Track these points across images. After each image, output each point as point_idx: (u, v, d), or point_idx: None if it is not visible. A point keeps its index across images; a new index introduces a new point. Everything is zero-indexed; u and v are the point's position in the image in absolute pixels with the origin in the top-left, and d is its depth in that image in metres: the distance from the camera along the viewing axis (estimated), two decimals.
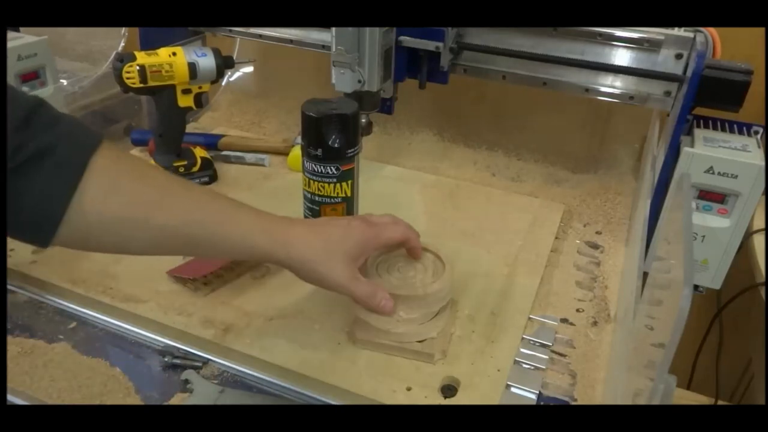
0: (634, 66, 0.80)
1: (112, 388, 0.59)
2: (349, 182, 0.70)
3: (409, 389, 0.58)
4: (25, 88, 0.92)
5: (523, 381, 0.61)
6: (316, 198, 0.70)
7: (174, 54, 0.84)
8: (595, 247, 0.84)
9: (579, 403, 0.60)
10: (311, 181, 0.69)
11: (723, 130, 0.75)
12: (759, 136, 0.74)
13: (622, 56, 0.81)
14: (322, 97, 0.70)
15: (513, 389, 0.60)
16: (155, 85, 0.84)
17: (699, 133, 0.74)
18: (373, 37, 0.77)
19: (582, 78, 0.84)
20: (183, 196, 0.53)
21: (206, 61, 0.86)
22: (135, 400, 0.58)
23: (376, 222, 0.62)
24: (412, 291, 0.62)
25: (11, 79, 0.90)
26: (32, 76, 0.93)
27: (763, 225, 0.88)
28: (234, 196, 0.87)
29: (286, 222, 0.58)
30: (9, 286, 0.71)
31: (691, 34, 0.76)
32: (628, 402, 0.45)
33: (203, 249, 0.55)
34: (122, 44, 1.12)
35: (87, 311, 0.68)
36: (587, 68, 0.82)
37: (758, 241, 0.87)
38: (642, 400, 0.39)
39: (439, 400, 0.58)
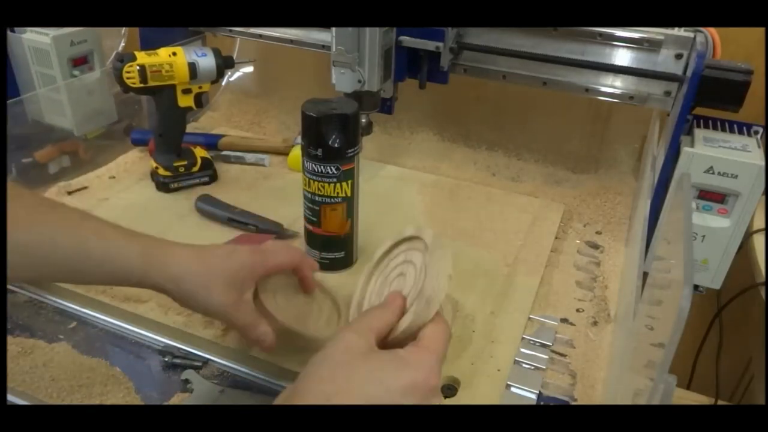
0: (634, 66, 0.80)
1: (112, 388, 0.59)
2: (349, 182, 0.70)
3: None
4: (75, 72, 0.98)
5: (523, 381, 0.61)
6: (317, 198, 0.70)
7: (174, 54, 0.84)
8: (595, 247, 0.84)
9: (579, 403, 0.60)
10: (311, 181, 0.69)
11: (723, 130, 0.75)
12: (759, 136, 0.74)
13: (622, 56, 0.81)
14: (322, 97, 0.70)
15: (513, 389, 0.60)
16: (155, 85, 0.84)
17: (699, 133, 0.74)
18: (373, 37, 0.77)
19: (582, 78, 0.84)
20: (50, 213, 0.50)
21: (206, 61, 0.86)
22: (135, 400, 0.58)
23: (264, 248, 0.58)
24: (302, 330, 0.58)
25: (64, 64, 0.95)
26: (82, 61, 0.99)
27: (763, 225, 0.88)
28: (234, 196, 0.88)
29: (165, 242, 0.55)
30: (9, 286, 0.71)
31: (691, 34, 0.76)
32: (628, 402, 0.45)
33: (65, 268, 0.50)
34: (122, 44, 1.12)
35: (87, 311, 0.68)
36: (587, 68, 0.82)
37: (758, 241, 0.87)
38: (642, 400, 0.39)
39: (439, 400, 0.58)
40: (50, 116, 0.98)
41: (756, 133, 0.74)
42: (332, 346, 0.44)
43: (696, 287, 0.77)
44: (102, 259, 0.50)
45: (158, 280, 0.52)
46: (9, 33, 0.97)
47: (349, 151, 0.68)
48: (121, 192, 0.91)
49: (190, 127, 1.03)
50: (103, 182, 0.93)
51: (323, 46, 0.96)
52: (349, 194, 0.70)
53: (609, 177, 0.99)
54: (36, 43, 0.95)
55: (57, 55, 0.94)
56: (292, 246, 0.61)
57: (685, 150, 0.70)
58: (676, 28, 0.77)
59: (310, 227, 0.73)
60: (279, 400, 0.43)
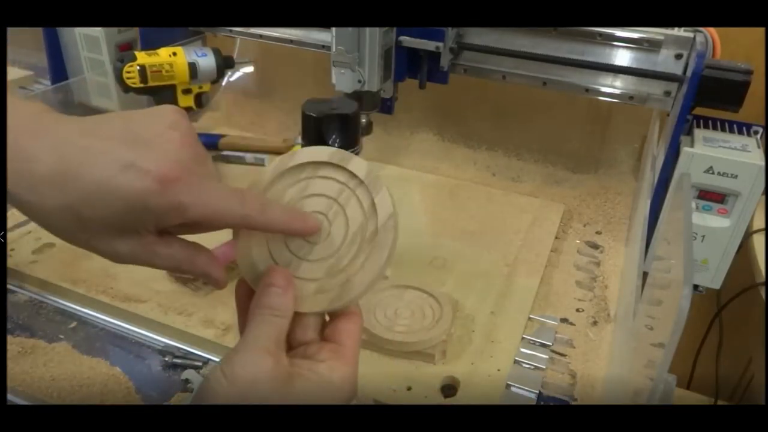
0: (634, 66, 0.80)
1: (112, 388, 0.59)
2: None
3: (409, 389, 0.58)
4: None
5: (523, 381, 0.61)
6: None
7: (174, 54, 0.84)
8: (595, 247, 0.84)
9: (579, 403, 0.60)
10: None
11: (723, 130, 0.75)
12: (759, 136, 0.74)
13: (622, 56, 0.81)
14: (322, 97, 0.70)
15: (513, 389, 0.60)
16: (156, 85, 0.84)
17: (699, 133, 0.74)
18: (373, 37, 0.77)
19: (582, 78, 0.84)
20: None
21: (206, 61, 0.87)
22: (135, 400, 0.58)
23: (194, 172, 0.33)
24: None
25: (111, 50, 1.01)
26: (127, 47, 1.03)
27: (763, 225, 0.88)
28: None
29: (42, 119, 0.33)
30: (9, 286, 0.71)
31: (691, 34, 0.76)
32: (628, 402, 0.45)
33: None
34: None
35: (87, 311, 0.68)
36: (587, 68, 0.82)
37: (758, 241, 0.87)
38: (642, 400, 0.39)
39: (439, 400, 0.58)
40: (97, 99, 1.05)
41: (756, 133, 0.74)
42: (243, 378, 0.34)
43: (696, 287, 0.77)
44: None
45: (16, 200, 0.32)
46: None
47: (349, 151, 0.68)
48: None
49: None
50: None
51: (323, 46, 0.96)
52: None
53: (609, 177, 0.99)
54: (87, 30, 1.02)
55: (106, 42, 1.00)
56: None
57: (685, 150, 0.70)
58: (676, 28, 0.77)
59: None
60: None
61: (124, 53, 0.84)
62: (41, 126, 0.32)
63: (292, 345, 0.38)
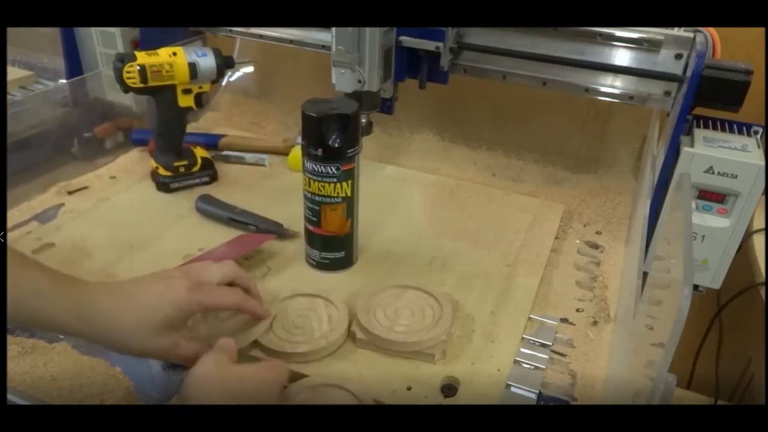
0: (634, 66, 0.80)
1: (112, 388, 0.59)
2: (350, 182, 0.70)
3: (409, 389, 0.58)
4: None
5: (523, 381, 0.61)
6: (317, 198, 0.70)
7: (174, 54, 0.84)
8: (595, 247, 0.84)
9: (579, 403, 0.60)
10: (311, 181, 0.69)
11: (723, 130, 0.75)
12: (759, 136, 0.74)
13: (622, 56, 0.81)
14: (322, 97, 0.70)
15: (513, 389, 0.60)
16: (156, 85, 0.84)
17: (699, 133, 0.74)
18: (373, 37, 0.77)
19: (582, 78, 0.84)
20: None
21: (206, 61, 0.86)
22: (135, 400, 0.58)
23: (201, 284, 0.56)
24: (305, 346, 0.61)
25: (127, 45, 1.03)
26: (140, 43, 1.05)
27: (763, 225, 0.88)
28: (234, 196, 0.88)
29: (88, 291, 0.54)
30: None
31: (691, 34, 0.76)
32: (628, 402, 0.45)
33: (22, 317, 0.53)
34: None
35: None
36: (587, 68, 0.82)
37: (758, 241, 0.87)
38: (642, 400, 0.39)
39: (439, 400, 0.58)
40: (111, 94, 1.07)
41: (756, 133, 0.74)
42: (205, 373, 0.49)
43: (696, 287, 0.77)
44: (35, 314, 0.52)
45: (85, 333, 0.53)
46: None
47: (349, 151, 0.68)
48: (121, 192, 0.91)
49: (191, 127, 1.03)
50: (103, 182, 0.93)
51: (323, 46, 0.96)
52: (349, 194, 0.70)
53: (609, 177, 0.99)
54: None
55: (122, 37, 1.02)
56: (236, 273, 0.60)
57: (685, 150, 0.70)
58: (676, 28, 0.77)
59: (311, 227, 0.73)
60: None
61: (124, 53, 0.83)
62: (106, 291, 0.55)
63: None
